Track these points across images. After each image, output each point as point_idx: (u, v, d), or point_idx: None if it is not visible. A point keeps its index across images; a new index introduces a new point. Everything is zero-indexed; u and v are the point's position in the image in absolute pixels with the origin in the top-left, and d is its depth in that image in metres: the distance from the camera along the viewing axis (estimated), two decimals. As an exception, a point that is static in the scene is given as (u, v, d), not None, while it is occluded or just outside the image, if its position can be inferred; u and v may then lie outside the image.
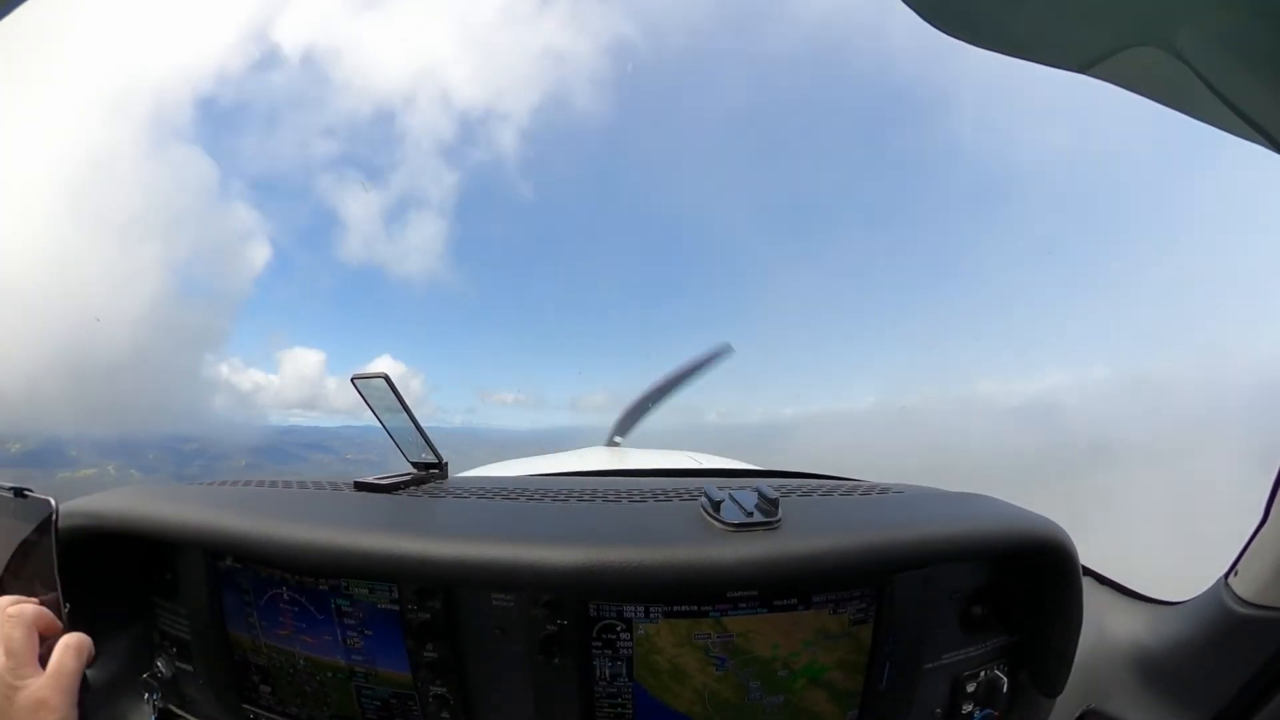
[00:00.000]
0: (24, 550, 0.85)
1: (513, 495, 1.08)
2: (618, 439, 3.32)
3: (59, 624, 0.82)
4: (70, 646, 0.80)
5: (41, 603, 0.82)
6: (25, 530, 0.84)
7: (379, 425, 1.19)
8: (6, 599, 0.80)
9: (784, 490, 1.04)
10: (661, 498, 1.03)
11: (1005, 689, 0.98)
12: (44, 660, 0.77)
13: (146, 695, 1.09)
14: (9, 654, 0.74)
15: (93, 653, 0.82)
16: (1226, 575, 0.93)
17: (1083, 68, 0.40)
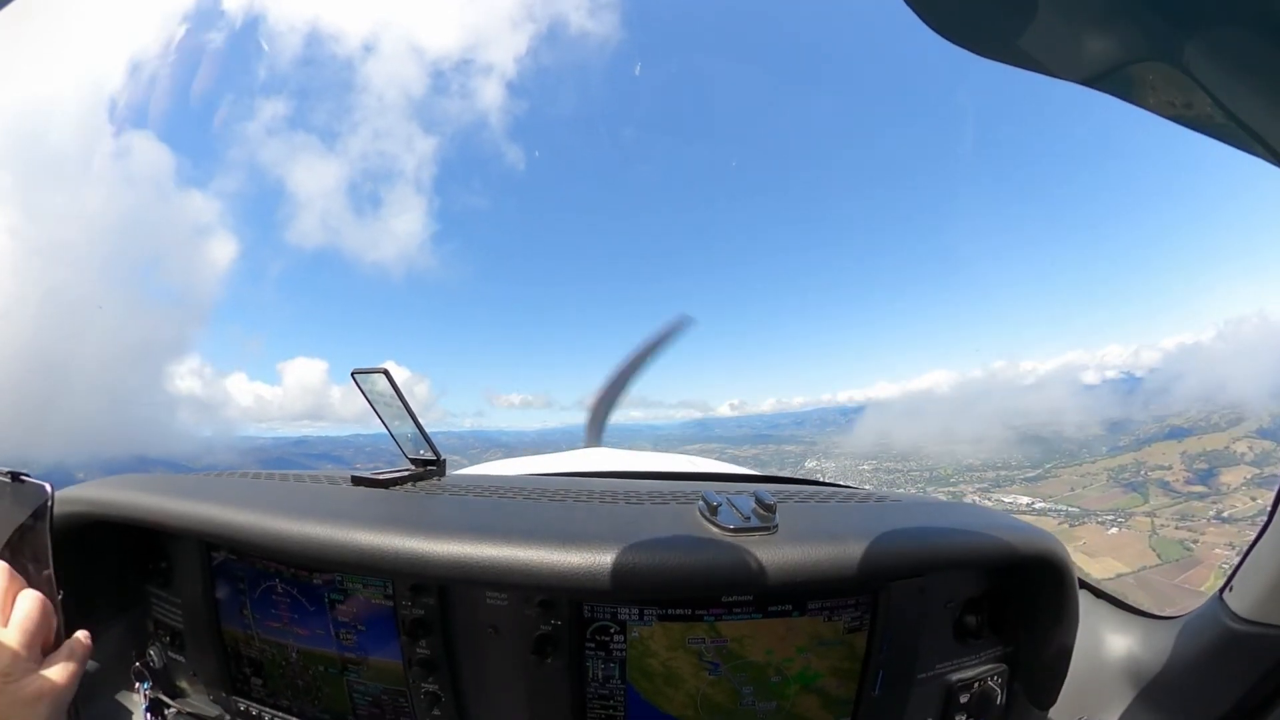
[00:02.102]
0: (19, 535, 0.85)
1: (509, 494, 1.08)
2: (597, 444, 3.28)
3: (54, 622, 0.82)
4: (79, 641, 0.81)
5: (34, 586, 0.82)
6: (21, 515, 0.84)
7: (381, 425, 1.18)
8: (15, 577, 0.80)
9: (781, 496, 1.04)
10: (659, 500, 1.03)
11: (999, 700, 0.98)
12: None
13: (138, 684, 1.09)
14: (25, 639, 0.74)
15: (89, 651, 0.82)
16: (1222, 590, 0.92)
17: (1089, 81, 0.40)
